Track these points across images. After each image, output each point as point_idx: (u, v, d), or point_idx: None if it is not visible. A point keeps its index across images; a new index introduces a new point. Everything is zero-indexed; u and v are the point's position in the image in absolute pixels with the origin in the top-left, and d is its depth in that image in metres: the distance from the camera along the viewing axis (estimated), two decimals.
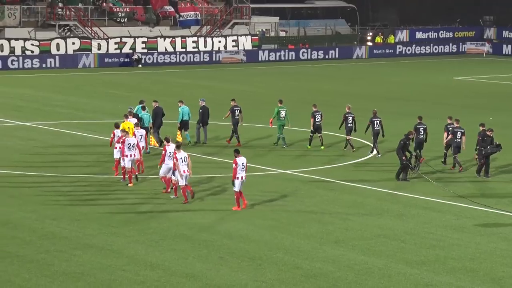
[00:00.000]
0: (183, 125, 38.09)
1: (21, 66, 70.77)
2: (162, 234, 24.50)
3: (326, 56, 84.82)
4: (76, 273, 21.03)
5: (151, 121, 36.70)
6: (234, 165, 27.12)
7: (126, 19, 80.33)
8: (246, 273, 21.26)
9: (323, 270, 21.66)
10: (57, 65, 72.06)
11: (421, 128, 34.12)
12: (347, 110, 37.40)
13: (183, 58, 77.80)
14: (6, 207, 27.16)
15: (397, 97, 56.67)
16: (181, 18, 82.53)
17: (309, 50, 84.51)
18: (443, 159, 34.83)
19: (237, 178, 27.07)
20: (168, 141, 29.06)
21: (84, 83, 62.22)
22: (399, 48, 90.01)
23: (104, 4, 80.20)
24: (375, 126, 36.05)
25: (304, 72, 73.59)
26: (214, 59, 78.82)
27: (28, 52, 71.95)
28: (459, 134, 33.76)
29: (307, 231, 25.08)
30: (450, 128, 34.26)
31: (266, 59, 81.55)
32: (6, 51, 71.24)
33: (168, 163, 28.54)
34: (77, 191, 29.56)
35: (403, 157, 31.73)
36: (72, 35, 76.11)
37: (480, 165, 32.96)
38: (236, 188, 27.15)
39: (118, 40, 76.04)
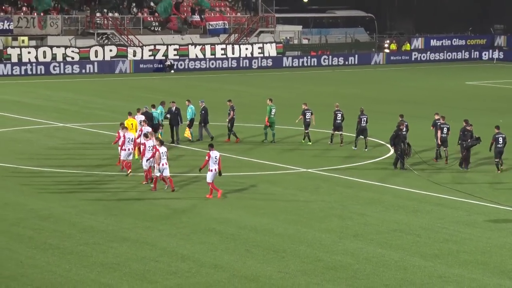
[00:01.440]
0: (191, 123, 38.63)
1: (62, 71, 71.08)
2: (193, 228, 24.53)
3: (346, 62, 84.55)
4: (113, 264, 21.09)
5: (161, 119, 37.38)
6: (207, 157, 27.87)
7: (159, 28, 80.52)
8: (271, 265, 21.24)
9: (343, 262, 21.60)
10: (96, 70, 72.33)
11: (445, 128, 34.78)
12: (336, 108, 38.36)
13: (212, 64, 77.84)
14: (48, 202, 27.30)
15: (413, 100, 56.42)
16: (210, 27, 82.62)
17: (330, 56, 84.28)
18: (435, 155, 35.20)
19: (210, 170, 27.80)
20: (146, 137, 30.09)
21: (120, 88, 62.43)
22: (415, 54, 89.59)
23: (140, 14, 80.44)
24: (362, 123, 36.97)
25: (325, 77, 73.41)
26: (241, 65, 78.83)
27: (68, 59, 72.24)
28: (445, 130, 34.70)
29: (328, 226, 25.03)
30: (438, 124, 35.05)
31: (290, 65, 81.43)
32: (48, 58, 71.59)
33: (147, 155, 29.43)
34: (113, 188, 29.65)
35: (396, 147, 32.89)
36: (109, 43, 76.37)
37: (463, 157, 33.67)
38: (209, 179, 27.87)
39: (152, 47, 76.19)
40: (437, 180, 31.30)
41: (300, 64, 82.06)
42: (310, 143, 38.77)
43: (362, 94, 59.83)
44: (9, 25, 73.33)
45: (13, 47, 71.92)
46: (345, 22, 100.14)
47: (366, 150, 37.18)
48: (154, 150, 28.91)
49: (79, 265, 20.92)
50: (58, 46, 72.62)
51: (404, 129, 34.02)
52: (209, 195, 28.23)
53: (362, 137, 37.27)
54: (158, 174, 28.75)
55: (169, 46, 76.99)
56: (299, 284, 19.94)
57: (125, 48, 75.29)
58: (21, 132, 41.56)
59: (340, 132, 38.41)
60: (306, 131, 38.92)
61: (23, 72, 69.56)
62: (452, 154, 35.06)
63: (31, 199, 27.70)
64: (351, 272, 20.82)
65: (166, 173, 28.82)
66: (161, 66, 75.05)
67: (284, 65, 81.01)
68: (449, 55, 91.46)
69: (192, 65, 76.80)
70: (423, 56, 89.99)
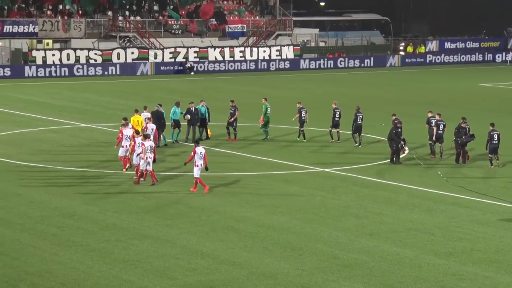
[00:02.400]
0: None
1: (85, 73, 71.31)
2: (212, 226, 24.53)
3: (362, 65, 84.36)
4: (134, 260, 21.12)
5: (176, 118, 37.93)
6: (192, 153, 28.48)
7: (180, 31, 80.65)
8: (288, 262, 21.21)
9: (358, 260, 21.54)
10: (118, 72, 72.50)
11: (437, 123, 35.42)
12: (334, 106, 38.91)
13: (231, 66, 77.86)
14: (72, 200, 27.38)
15: (427, 102, 56.15)
16: (229, 30, 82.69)
17: (346, 59, 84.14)
18: (430, 151, 35.75)
19: (197, 165, 28.38)
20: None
21: (142, 89, 62.54)
22: (429, 57, 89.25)
23: (161, 17, 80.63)
24: (358, 120, 37.59)
25: (341, 79, 73.28)
26: (259, 67, 78.82)
27: (91, 61, 72.47)
28: (441, 126, 35.27)
29: (344, 224, 24.97)
30: (433, 121, 35.43)
31: (307, 67, 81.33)
32: (72, 60, 71.83)
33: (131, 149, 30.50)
34: (135, 186, 29.68)
35: (392, 143, 33.87)
36: (131, 46, 76.56)
37: (457, 153, 34.35)
38: (196, 174, 28.37)
39: (172, 50, 76.31)
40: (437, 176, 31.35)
41: (317, 66, 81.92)
42: (305, 141, 39.06)
43: (377, 96, 59.65)
44: (34, 29, 73.69)
45: (38, 49, 72.25)
46: (361, 25, 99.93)
47: (360, 146, 37.78)
48: (142, 146, 29.52)
49: (102, 261, 20.97)
50: (81, 49, 72.87)
51: (400, 126, 34.67)
52: (193, 188, 28.74)
53: (357, 134, 38.09)
54: (145, 168, 29.40)
55: (189, 48, 77.08)
56: (315, 281, 19.90)
57: (147, 50, 75.45)
58: (46, 132, 41.73)
59: (337, 130, 38.98)
60: (301, 129, 39.25)
61: (47, 74, 69.84)
62: (446, 150, 35.38)
63: (55, 197, 27.79)
64: (367, 270, 20.75)
65: (150, 167, 29.47)
66: (181, 68, 75.15)
67: (301, 67, 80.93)
68: (463, 58, 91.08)
69: (211, 67, 76.84)
70: (438, 59, 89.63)
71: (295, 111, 40.02)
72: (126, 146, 31.48)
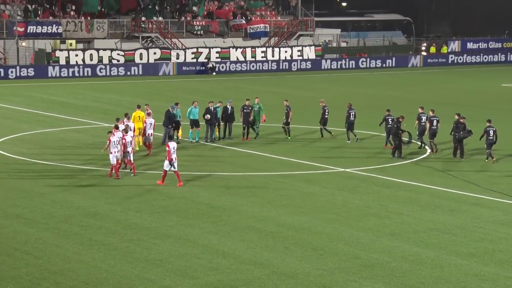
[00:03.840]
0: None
1: (108, 73, 71.63)
2: (233, 225, 24.55)
3: (384, 65, 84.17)
4: (156, 260, 21.18)
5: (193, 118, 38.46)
6: (167, 148, 29.37)
7: (202, 31, 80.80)
8: (309, 262, 21.18)
9: (379, 260, 21.48)
10: (140, 73, 72.77)
11: (423, 117, 36.73)
12: (322, 104, 39.80)
13: (253, 66, 77.92)
14: (94, 200, 27.50)
15: (449, 102, 55.94)
16: (251, 31, 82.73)
17: (368, 59, 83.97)
18: (420, 144, 37.08)
19: (170, 159, 29.21)
20: (126, 132, 31.45)
21: (164, 89, 62.72)
22: (451, 57, 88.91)
23: (183, 18, 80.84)
24: (351, 117, 38.68)
25: (363, 80, 73.12)
26: (281, 67, 78.82)
27: (114, 61, 72.78)
28: (435, 122, 36.32)
29: (365, 225, 24.90)
30: (425, 117, 36.61)
31: (329, 67, 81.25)
32: (95, 60, 72.18)
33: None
34: (158, 186, 29.76)
35: (395, 138, 35.12)
36: (153, 46, 76.82)
37: (455, 148, 35.28)
38: (166, 168, 29.31)
39: (194, 50, 76.49)
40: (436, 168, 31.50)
41: (339, 67, 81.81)
42: (289, 138, 39.80)
43: (400, 96, 59.48)
44: (57, 29, 74.12)
45: (61, 50, 72.67)
46: (383, 26, 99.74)
47: (356, 141, 38.87)
48: (123, 141, 30.61)
49: (124, 261, 21.04)
50: (104, 49, 73.21)
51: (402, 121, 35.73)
52: (160, 181, 29.46)
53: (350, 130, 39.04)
54: (115, 162, 30.40)
55: (211, 49, 77.22)
56: (336, 281, 19.86)
57: (169, 51, 75.67)
58: (69, 132, 41.93)
59: (325, 127, 39.77)
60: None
61: (70, 74, 70.20)
62: (439, 144, 36.57)
63: (78, 197, 27.92)
64: (388, 270, 20.69)
65: (131, 157, 31.08)
66: (203, 68, 75.29)
67: (323, 67, 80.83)
68: (485, 58, 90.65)
69: (233, 68, 76.93)
70: (460, 59, 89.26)
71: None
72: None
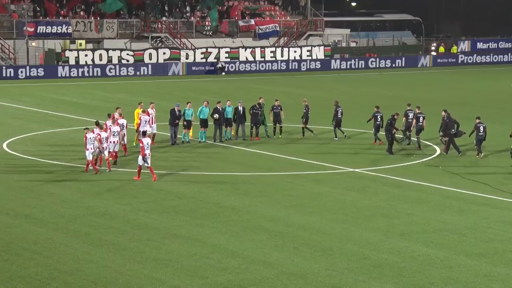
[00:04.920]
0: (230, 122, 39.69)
1: (117, 73, 71.74)
2: (242, 225, 24.56)
3: (393, 65, 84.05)
4: (165, 260, 21.20)
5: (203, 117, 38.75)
6: (141, 144, 30.29)
7: (211, 31, 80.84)
8: (319, 262, 21.18)
9: (389, 260, 21.45)
10: (150, 73, 72.86)
11: (421, 117, 37.39)
12: (304, 103, 40.22)
13: (262, 66, 77.92)
14: (104, 200, 27.54)
15: (459, 102, 55.84)
16: (260, 31, 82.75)
17: (378, 59, 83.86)
18: (408, 140, 37.90)
19: (144, 154, 30.06)
20: (101, 128, 32.20)
21: (173, 89, 62.78)
22: (461, 57, 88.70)
23: (192, 18, 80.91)
24: (338, 114, 39.21)
25: (372, 80, 73.04)
26: (290, 67, 78.80)
27: (124, 61, 72.89)
28: (421, 119, 37.19)
29: (375, 225, 24.88)
30: (412, 113, 37.45)
31: (338, 67, 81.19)
32: (104, 60, 72.31)
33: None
34: (167, 186, 29.81)
35: (389, 135, 35.68)
36: (163, 46, 76.90)
37: (447, 144, 36.14)
38: (140, 163, 30.22)
39: (204, 50, 76.54)
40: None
41: (348, 67, 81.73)
42: (276, 136, 40.10)
43: (409, 96, 59.35)
44: (67, 29, 74.28)
45: (71, 50, 72.85)
46: (392, 26, 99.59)
47: (345, 137, 39.48)
48: (98, 137, 31.40)
49: (133, 260, 21.07)
50: (113, 49, 73.33)
51: (397, 118, 36.75)
52: (136, 177, 30.24)
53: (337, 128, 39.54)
54: (91, 158, 31.21)
55: (220, 49, 77.25)
56: (346, 281, 19.85)
57: (178, 51, 75.74)
58: (78, 131, 41.96)
59: (306, 125, 40.12)
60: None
61: (80, 74, 70.35)
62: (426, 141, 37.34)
63: (88, 196, 27.98)
64: (397, 270, 20.67)
65: (106, 153, 31.83)
66: (213, 68, 75.34)
67: (332, 67, 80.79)
68: (495, 58, 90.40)
69: (242, 68, 76.95)
70: (470, 59, 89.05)
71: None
72: (115, 142, 32.86)
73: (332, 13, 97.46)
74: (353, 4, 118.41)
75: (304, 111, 40.13)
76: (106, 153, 31.92)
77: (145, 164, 30.33)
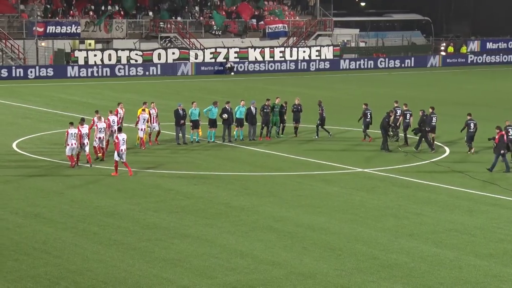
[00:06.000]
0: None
1: (126, 73, 71.86)
2: (251, 225, 24.55)
3: (402, 65, 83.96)
4: (174, 259, 21.22)
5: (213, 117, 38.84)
6: (116, 140, 31.00)
7: (220, 31, 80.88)
8: (327, 263, 21.16)
9: (398, 260, 21.42)
10: (159, 73, 72.95)
11: (408, 114, 38.17)
12: (297, 102, 40.74)
13: (271, 66, 77.94)
14: (113, 200, 27.58)
15: (468, 102, 55.75)
16: (269, 30, 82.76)
17: (387, 59, 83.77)
18: (396, 137, 38.51)
19: (121, 150, 30.75)
20: (82, 125, 32.73)
21: (183, 89, 62.84)
22: (471, 57, 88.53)
23: (201, 18, 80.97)
24: (323, 114, 39.83)
25: (381, 80, 72.95)
26: (299, 67, 78.79)
27: (133, 61, 73.01)
28: (408, 115, 37.99)
29: (384, 225, 24.84)
30: (399, 110, 38.14)
31: (347, 67, 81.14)
32: (113, 60, 72.45)
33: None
34: (176, 186, 29.83)
35: (385, 132, 36.37)
36: (172, 46, 76.99)
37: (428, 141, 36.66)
38: (116, 158, 30.87)
39: (213, 50, 76.60)
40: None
41: (357, 67, 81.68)
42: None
43: (418, 96, 59.26)
44: (76, 29, 74.45)
45: (80, 50, 73.03)
46: (401, 26, 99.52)
47: (317, 138, 39.93)
48: (78, 133, 32.12)
49: (142, 260, 21.09)
50: (122, 49, 73.47)
51: (392, 116, 37.46)
52: (114, 173, 31.02)
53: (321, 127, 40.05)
54: (72, 154, 32.18)
55: (229, 49, 77.29)
56: (355, 281, 19.83)
57: (187, 51, 75.81)
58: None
59: (298, 124, 40.64)
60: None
61: (89, 74, 70.52)
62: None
63: (97, 196, 28.02)
64: (407, 271, 20.64)
65: (87, 149, 32.57)
66: (222, 68, 75.38)
67: (341, 67, 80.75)
68: (505, 58, 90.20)
69: (251, 68, 76.97)
70: (479, 59, 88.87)
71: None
72: (101, 138, 33.76)
73: (341, 13, 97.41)
74: (362, 4, 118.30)
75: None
76: (87, 149, 32.51)
77: (121, 160, 30.94)
